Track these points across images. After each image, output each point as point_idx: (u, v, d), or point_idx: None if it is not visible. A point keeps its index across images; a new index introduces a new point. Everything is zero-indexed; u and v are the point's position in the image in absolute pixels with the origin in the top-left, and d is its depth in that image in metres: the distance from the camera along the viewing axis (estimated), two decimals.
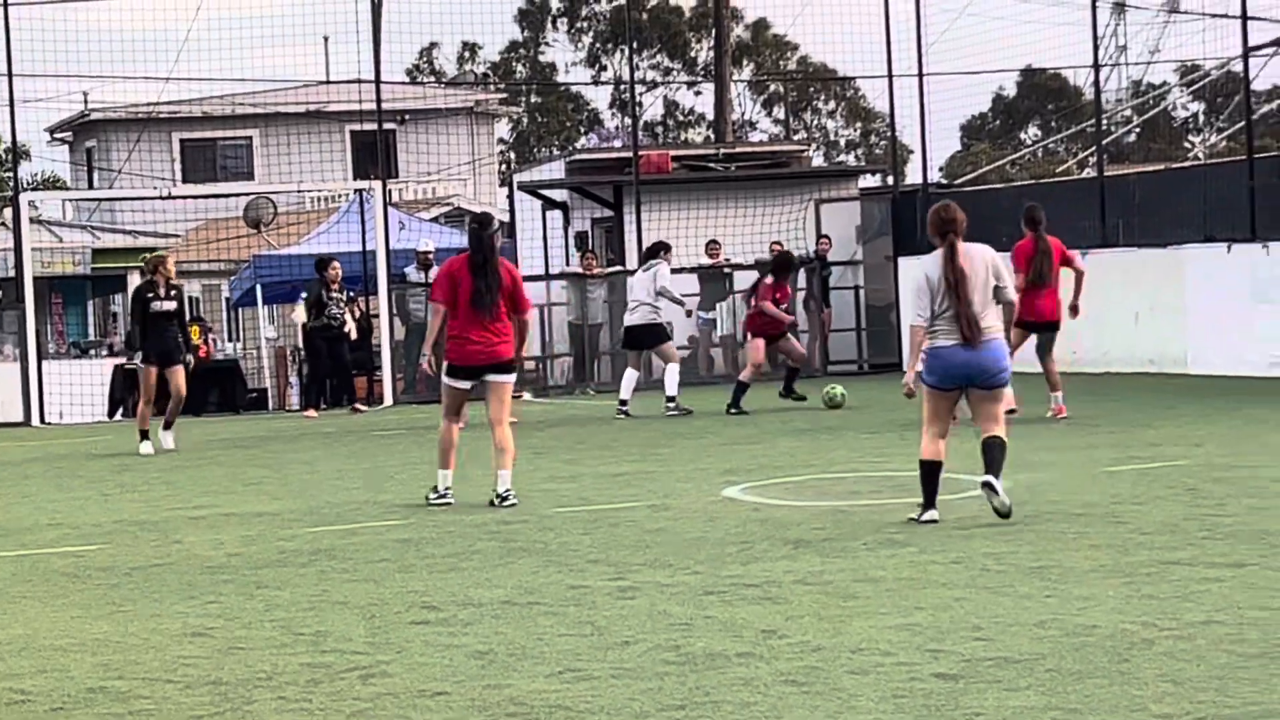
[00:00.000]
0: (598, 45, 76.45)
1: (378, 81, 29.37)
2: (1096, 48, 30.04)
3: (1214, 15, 35.88)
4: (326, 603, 9.31)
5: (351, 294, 27.25)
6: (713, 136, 51.66)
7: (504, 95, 62.75)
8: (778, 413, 21.27)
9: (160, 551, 11.57)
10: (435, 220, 39.38)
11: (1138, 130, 63.41)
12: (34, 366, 27.14)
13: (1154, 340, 25.29)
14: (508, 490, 13.19)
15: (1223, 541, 10.08)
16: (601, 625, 8.36)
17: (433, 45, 74.03)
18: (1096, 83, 31.28)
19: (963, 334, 11.21)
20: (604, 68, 76.69)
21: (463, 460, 14.15)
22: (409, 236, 30.62)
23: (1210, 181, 26.70)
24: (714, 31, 49.25)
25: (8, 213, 32.86)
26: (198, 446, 20.46)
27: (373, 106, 29.78)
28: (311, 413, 25.78)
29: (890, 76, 30.73)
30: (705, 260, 29.65)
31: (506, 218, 39.21)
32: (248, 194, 38.65)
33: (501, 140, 68.47)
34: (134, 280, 38.85)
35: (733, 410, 21.32)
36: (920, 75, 30.12)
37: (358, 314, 26.95)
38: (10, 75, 27.59)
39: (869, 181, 36.82)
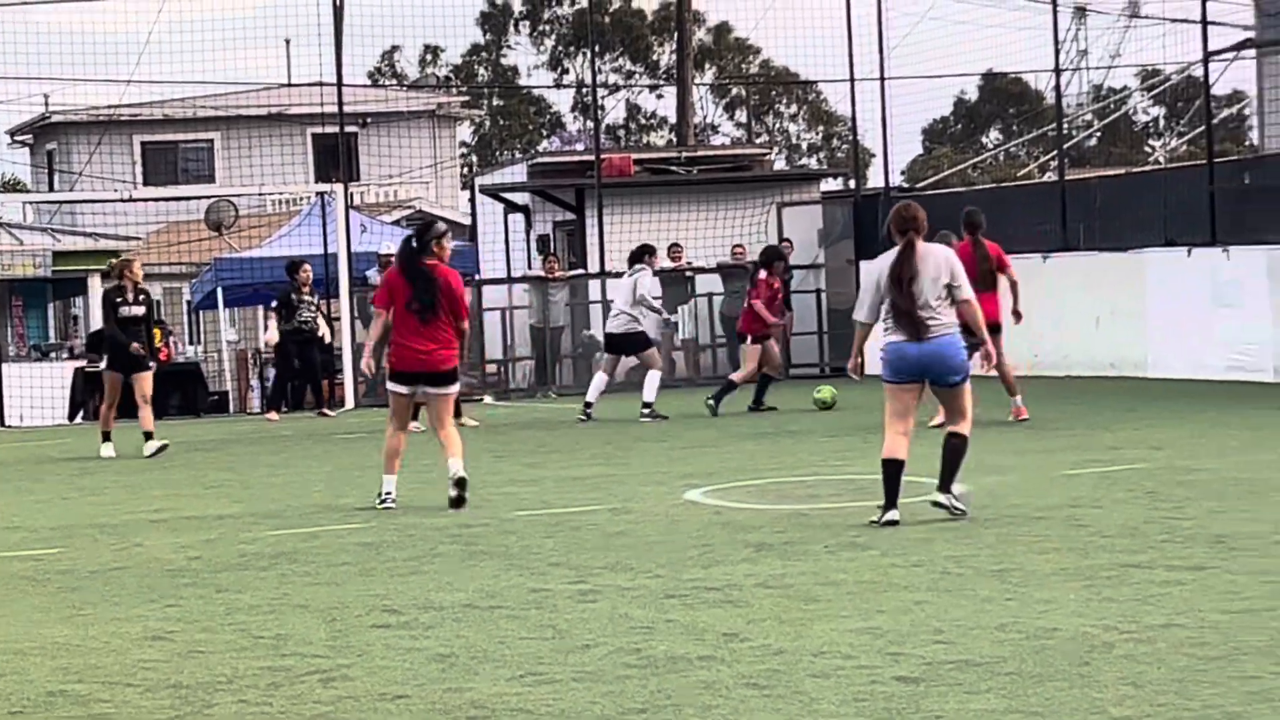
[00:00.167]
0: (560, 48, 76.44)
1: (339, 84, 29.34)
2: (1058, 52, 30.16)
3: (1174, 20, 36.16)
4: (287, 606, 9.28)
5: (319, 296, 27.16)
6: (675, 140, 51.68)
7: (466, 98, 62.75)
8: (739, 417, 21.27)
9: (120, 555, 11.52)
10: (397, 223, 39.25)
11: (1099, 134, 63.67)
12: None
13: (1114, 344, 25.35)
14: (460, 475, 13.00)
15: (1182, 545, 10.11)
16: (563, 628, 8.36)
17: (395, 48, 74.01)
18: (1058, 87, 31.42)
19: (908, 331, 11.29)
20: (566, 71, 76.70)
21: (425, 465, 14.10)
22: (370, 239, 30.52)
23: (1170, 186, 26.77)
24: (676, 35, 49.23)
25: None
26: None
27: (334, 109, 29.78)
28: (273, 415, 25.73)
29: (852, 80, 30.76)
30: (667, 264, 29.63)
31: (468, 221, 39.18)
32: (209, 197, 38.59)
33: (463, 143, 68.42)
34: (95, 283, 38.79)
35: (751, 408, 21.74)
36: (882, 79, 30.16)
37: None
38: None
39: (831, 185, 36.82)
